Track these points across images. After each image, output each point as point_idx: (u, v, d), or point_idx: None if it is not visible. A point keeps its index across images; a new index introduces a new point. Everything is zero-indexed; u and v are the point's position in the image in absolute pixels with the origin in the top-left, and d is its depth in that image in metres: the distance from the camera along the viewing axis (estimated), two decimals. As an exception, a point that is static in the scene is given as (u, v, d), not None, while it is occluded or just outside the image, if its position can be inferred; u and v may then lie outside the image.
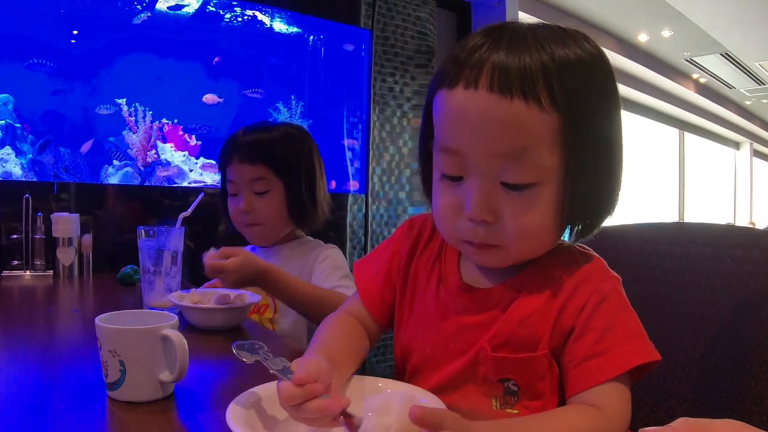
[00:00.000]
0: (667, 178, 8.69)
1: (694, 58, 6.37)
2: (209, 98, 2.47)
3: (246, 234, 1.33)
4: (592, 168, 0.59)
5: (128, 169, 2.21)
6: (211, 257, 1.06)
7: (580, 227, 0.64)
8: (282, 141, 1.30)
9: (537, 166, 0.56)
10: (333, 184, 2.51)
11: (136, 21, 2.25)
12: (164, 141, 2.34)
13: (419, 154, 0.69)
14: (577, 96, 0.56)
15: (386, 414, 0.48)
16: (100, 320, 0.64)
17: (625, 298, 0.63)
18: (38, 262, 1.60)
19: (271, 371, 0.56)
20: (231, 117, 2.58)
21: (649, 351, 0.59)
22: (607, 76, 0.60)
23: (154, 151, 2.27)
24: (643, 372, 0.59)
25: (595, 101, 0.58)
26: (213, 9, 2.43)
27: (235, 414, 0.52)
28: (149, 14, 2.26)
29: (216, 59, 2.51)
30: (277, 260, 1.30)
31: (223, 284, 1.11)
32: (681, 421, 0.42)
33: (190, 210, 1.20)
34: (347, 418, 0.53)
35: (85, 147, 2.19)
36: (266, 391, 0.58)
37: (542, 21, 0.62)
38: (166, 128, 2.35)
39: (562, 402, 0.61)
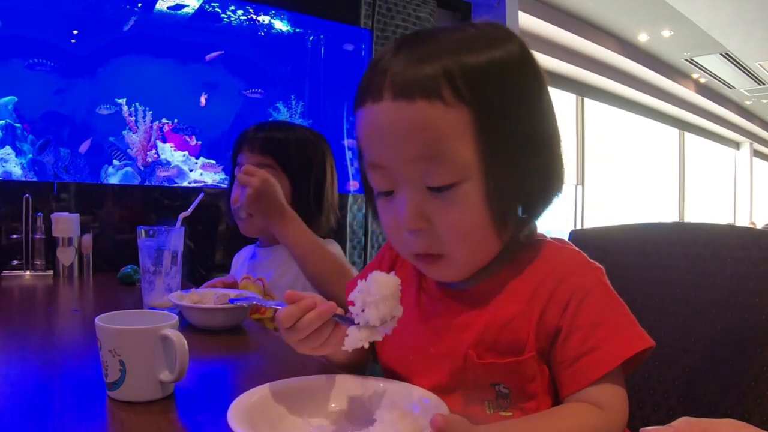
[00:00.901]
0: (667, 178, 8.69)
1: (694, 58, 6.37)
2: (203, 100, 2.49)
3: (240, 225, 1.29)
4: (517, 160, 0.58)
5: (128, 169, 2.21)
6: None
7: (521, 219, 0.62)
8: (297, 142, 1.29)
9: (455, 164, 0.56)
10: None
11: (126, 27, 2.25)
12: (164, 141, 2.34)
13: (360, 178, 0.69)
14: (485, 90, 0.56)
15: (368, 295, 0.55)
16: (100, 320, 0.64)
17: (609, 288, 0.61)
18: (38, 262, 1.60)
19: (269, 307, 0.59)
20: (231, 117, 2.58)
21: (640, 339, 0.57)
22: (523, 71, 0.59)
23: (154, 151, 2.27)
24: (639, 359, 0.57)
25: (509, 94, 0.58)
26: (213, 9, 2.43)
27: (236, 414, 0.52)
28: (136, 19, 2.26)
29: (210, 55, 2.51)
30: (276, 259, 1.30)
31: (246, 196, 1.15)
32: (682, 421, 0.42)
33: (190, 210, 1.20)
34: (345, 321, 0.59)
35: (84, 146, 2.18)
36: (267, 391, 0.58)
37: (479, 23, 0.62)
38: (165, 128, 2.35)
39: (555, 401, 0.60)
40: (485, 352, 0.60)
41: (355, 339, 0.56)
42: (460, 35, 0.59)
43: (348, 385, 0.62)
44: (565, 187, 0.64)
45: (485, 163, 0.56)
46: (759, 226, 7.96)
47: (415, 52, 0.57)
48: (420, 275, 0.70)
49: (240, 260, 1.43)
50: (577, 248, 0.66)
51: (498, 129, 0.56)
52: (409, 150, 0.56)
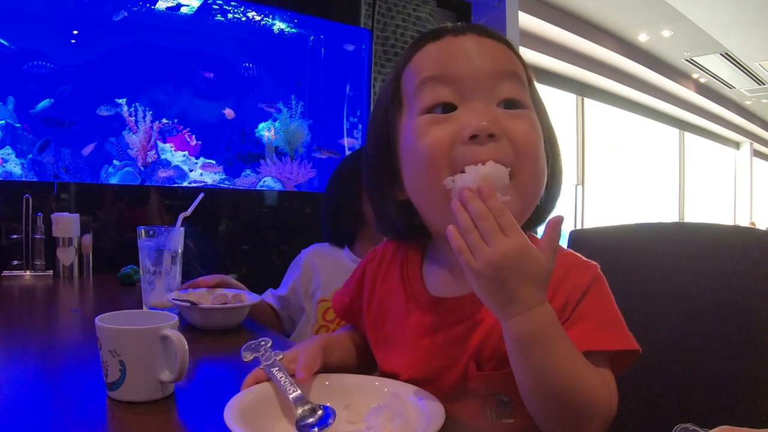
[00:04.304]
0: (667, 178, 8.69)
1: (694, 58, 6.37)
2: (229, 113, 2.50)
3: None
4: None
5: (128, 169, 2.21)
6: None
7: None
8: None
9: (525, 92, 0.62)
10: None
11: (116, 18, 2.24)
12: (164, 141, 2.34)
13: (375, 148, 0.68)
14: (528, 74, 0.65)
15: None
16: (100, 320, 0.64)
17: (604, 285, 0.61)
18: (38, 262, 1.60)
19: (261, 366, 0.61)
20: (231, 117, 2.57)
21: (625, 340, 0.57)
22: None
23: (154, 151, 2.27)
24: (624, 363, 0.57)
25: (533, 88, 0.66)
26: (213, 9, 2.43)
27: (233, 412, 0.52)
28: (126, 14, 2.25)
29: (209, 74, 2.54)
30: None
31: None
32: (723, 430, 0.39)
33: (190, 210, 1.19)
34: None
35: (87, 150, 2.19)
36: (264, 389, 0.59)
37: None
38: (165, 127, 2.35)
39: None
40: (486, 362, 0.60)
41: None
42: None
43: (345, 384, 0.62)
44: (562, 192, 0.68)
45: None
46: (759, 226, 7.96)
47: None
48: (405, 284, 0.69)
49: (323, 258, 1.31)
50: (569, 249, 0.66)
51: (536, 101, 0.65)
52: (493, 63, 0.61)
